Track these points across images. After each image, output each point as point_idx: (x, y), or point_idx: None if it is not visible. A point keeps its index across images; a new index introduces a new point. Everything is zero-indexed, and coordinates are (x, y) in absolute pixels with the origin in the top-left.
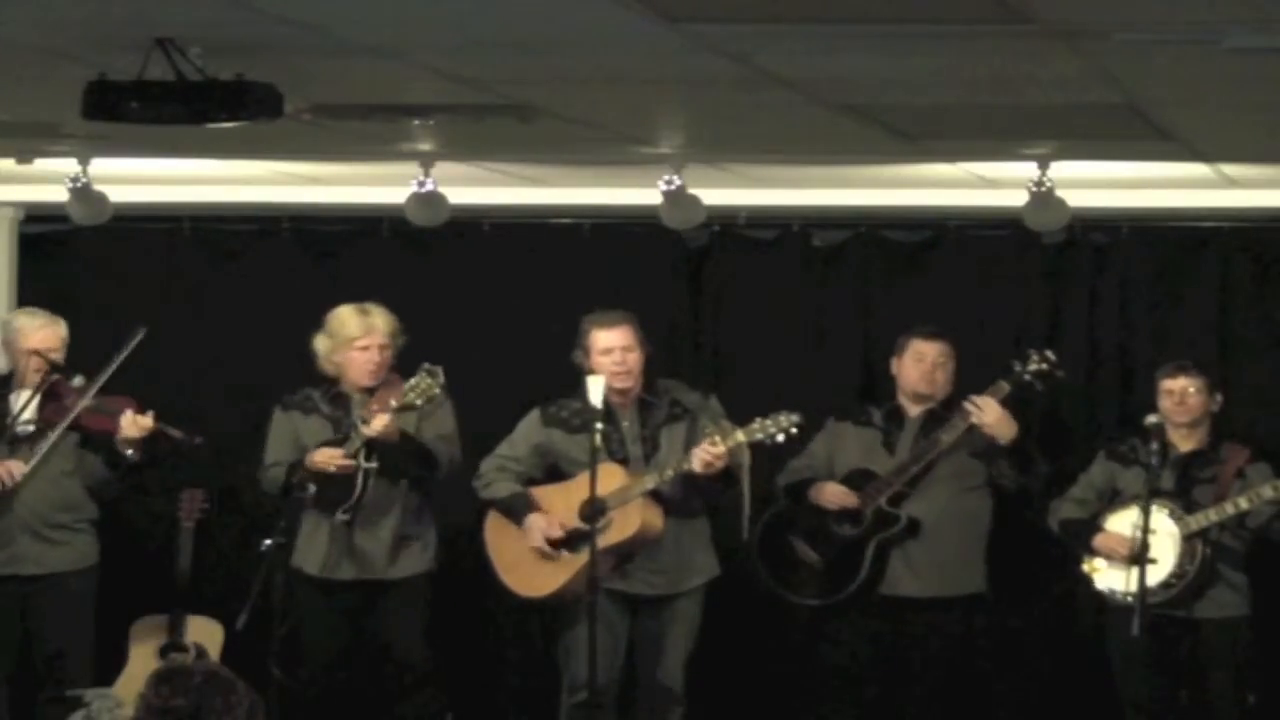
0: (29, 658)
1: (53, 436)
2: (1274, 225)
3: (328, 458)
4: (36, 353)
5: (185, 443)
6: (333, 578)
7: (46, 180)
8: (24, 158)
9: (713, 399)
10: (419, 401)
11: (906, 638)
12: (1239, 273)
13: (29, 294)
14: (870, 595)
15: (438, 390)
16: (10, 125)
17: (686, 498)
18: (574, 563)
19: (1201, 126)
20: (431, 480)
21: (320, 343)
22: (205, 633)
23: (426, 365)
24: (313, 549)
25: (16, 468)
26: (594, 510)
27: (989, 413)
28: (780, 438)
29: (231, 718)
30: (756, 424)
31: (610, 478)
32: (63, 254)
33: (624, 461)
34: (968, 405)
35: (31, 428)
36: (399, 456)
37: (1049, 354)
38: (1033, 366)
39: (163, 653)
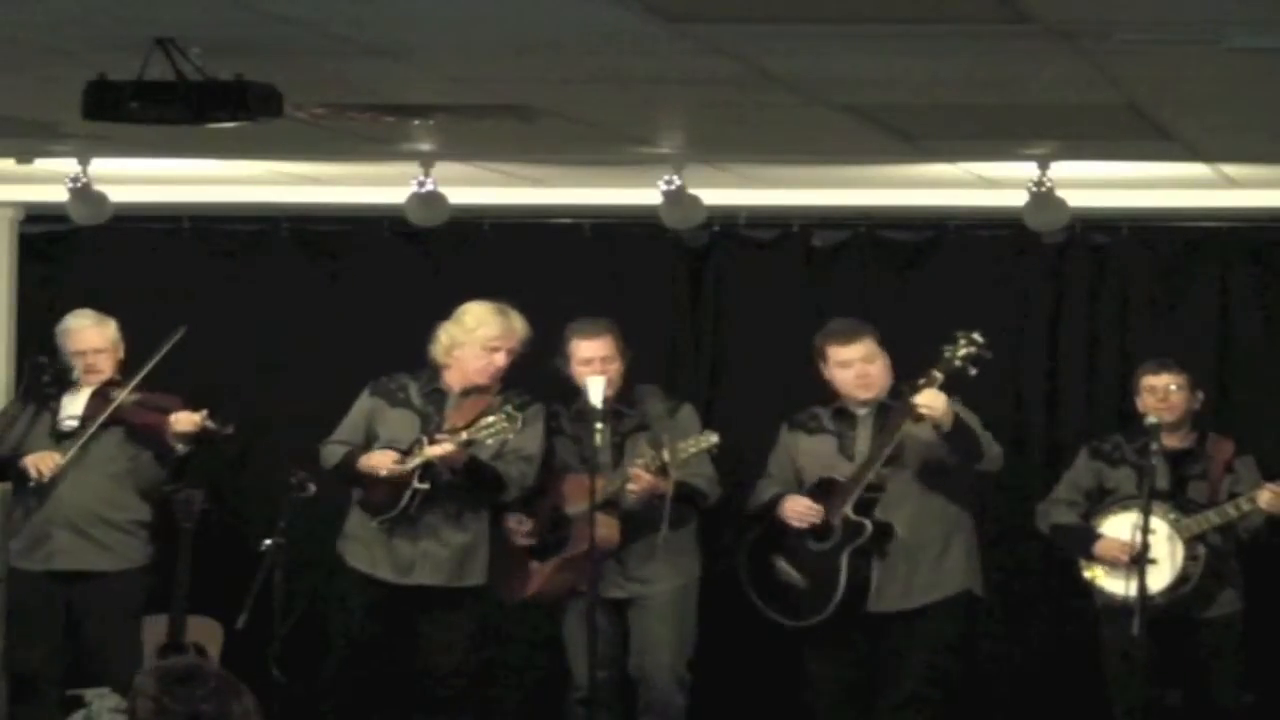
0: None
1: (90, 430)
2: (1274, 225)
3: (380, 463)
4: (79, 354)
5: (220, 433)
6: (377, 576)
7: (46, 180)
8: (24, 158)
9: (684, 409)
10: (489, 441)
11: (904, 647)
12: (1239, 273)
13: (29, 294)
14: (858, 609)
15: (510, 436)
16: (10, 125)
17: (651, 505)
18: (541, 571)
19: (1201, 126)
20: (497, 499)
21: (446, 334)
22: (205, 633)
23: (509, 409)
24: (359, 543)
25: (48, 461)
26: (592, 509)
27: (936, 404)
28: (702, 456)
29: None
30: (680, 445)
31: (580, 490)
32: (63, 254)
33: (596, 468)
34: (919, 408)
35: (75, 423)
36: (459, 482)
37: (975, 336)
38: (962, 351)
39: (163, 653)
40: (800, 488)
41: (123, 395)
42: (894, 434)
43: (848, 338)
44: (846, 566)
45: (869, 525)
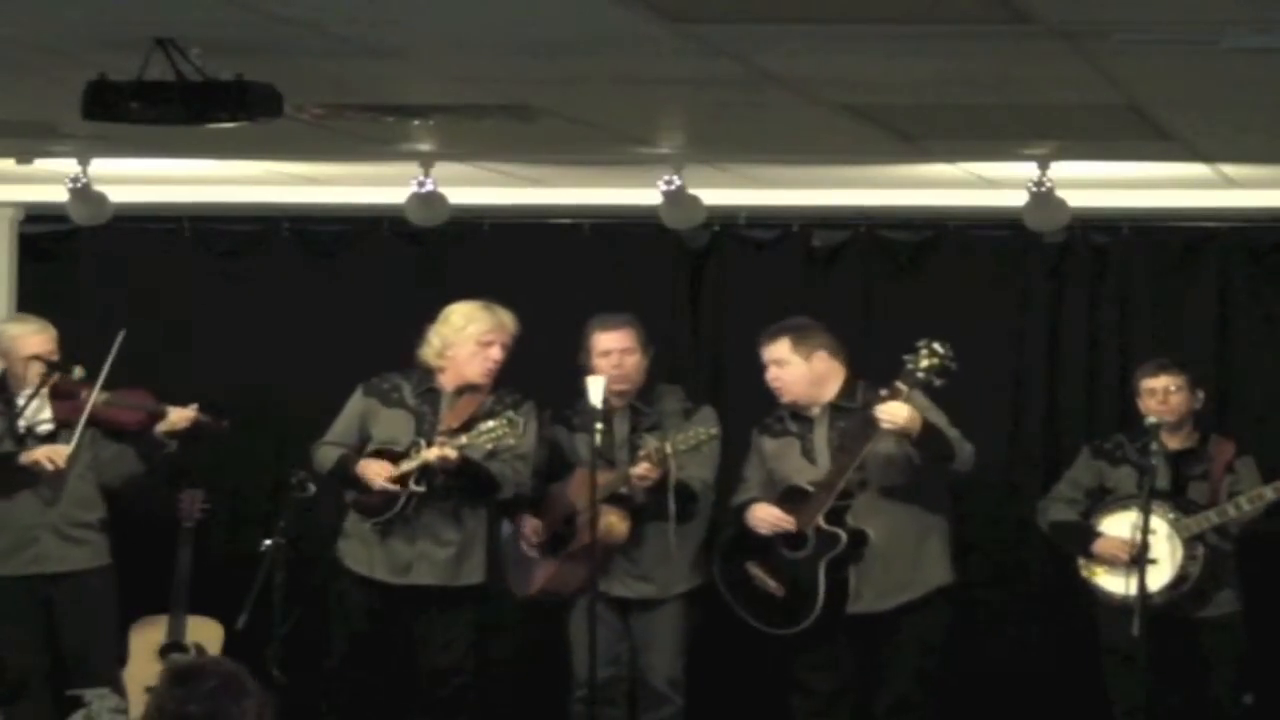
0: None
1: (79, 428)
2: (1274, 225)
3: (376, 474)
4: (36, 358)
5: (214, 427)
6: (375, 577)
7: (46, 180)
8: (24, 158)
9: (704, 410)
10: (488, 446)
11: (890, 648)
12: (1239, 273)
13: (29, 294)
14: (838, 614)
15: (512, 441)
16: (10, 125)
17: (664, 505)
18: (548, 566)
19: (1201, 126)
20: (492, 499)
21: (437, 336)
22: (205, 633)
23: (510, 414)
24: (358, 543)
25: (62, 452)
26: (594, 511)
27: (896, 417)
28: (703, 449)
29: None
30: (681, 436)
31: (586, 484)
32: (63, 254)
33: (611, 464)
34: (881, 422)
35: (51, 426)
36: (454, 483)
37: (937, 345)
38: (924, 362)
39: (163, 653)
40: (774, 490)
41: (94, 394)
42: (862, 447)
43: (764, 339)
44: (825, 576)
45: (844, 535)
